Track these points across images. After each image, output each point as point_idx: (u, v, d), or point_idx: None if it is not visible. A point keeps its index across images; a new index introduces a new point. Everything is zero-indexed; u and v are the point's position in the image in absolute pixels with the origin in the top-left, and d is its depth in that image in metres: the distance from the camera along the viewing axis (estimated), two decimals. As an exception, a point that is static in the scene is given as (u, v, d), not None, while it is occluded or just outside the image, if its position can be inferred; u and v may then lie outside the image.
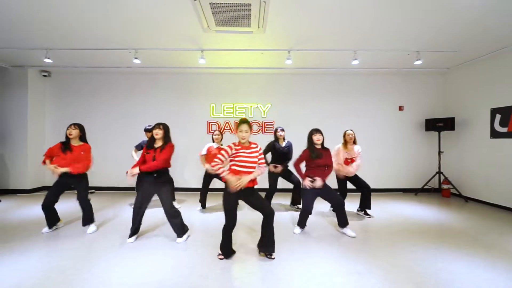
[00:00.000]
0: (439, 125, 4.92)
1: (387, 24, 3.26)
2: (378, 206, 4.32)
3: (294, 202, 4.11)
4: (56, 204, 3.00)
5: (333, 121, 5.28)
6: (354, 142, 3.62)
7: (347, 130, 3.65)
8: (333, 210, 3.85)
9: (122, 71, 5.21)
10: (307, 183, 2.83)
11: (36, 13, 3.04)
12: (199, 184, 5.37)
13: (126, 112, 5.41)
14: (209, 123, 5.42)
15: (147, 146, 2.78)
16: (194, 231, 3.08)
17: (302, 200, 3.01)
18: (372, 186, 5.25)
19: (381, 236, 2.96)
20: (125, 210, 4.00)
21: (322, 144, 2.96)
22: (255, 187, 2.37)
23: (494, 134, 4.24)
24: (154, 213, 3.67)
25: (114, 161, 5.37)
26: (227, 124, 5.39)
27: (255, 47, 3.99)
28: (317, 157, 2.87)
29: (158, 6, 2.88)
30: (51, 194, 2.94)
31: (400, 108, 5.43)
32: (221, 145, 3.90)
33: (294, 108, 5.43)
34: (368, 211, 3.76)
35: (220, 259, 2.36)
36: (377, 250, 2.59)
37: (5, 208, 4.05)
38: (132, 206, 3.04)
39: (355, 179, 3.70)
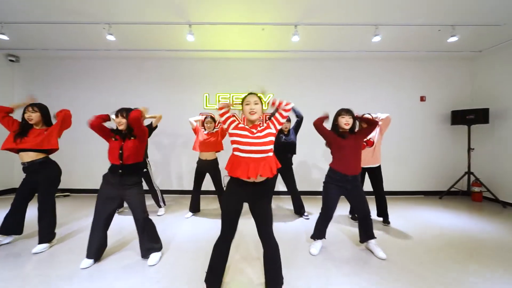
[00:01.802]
0: (469, 117, 4.21)
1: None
2: (399, 213, 3.63)
3: (297, 211, 3.41)
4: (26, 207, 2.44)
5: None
6: None
7: (364, 114, 2.94)
8: (351, 218, 3.22)
9: (100, 55, 4.50)
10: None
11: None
12: (190, 186, 4.74)
13: (107, 103, 4.69)
14: (202, 115, 4.70)
15: (112, 131, 2.14)
16: (175, 249, 2.38)
17: (323, 200, 2.32)
18: (389, 188, 4.57)
19: (419, 257, 2.26)
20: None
21: (352, 128, 2.24)
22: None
23: (541, 127, 3.54)
24: (119, 225, 2.96)
25: (93, 159, 4.68)
26: (222, 117, 4.68)
27: (254, 20, 3.28)
28: (340, 136, 2.22)
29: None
30: (19, 196, 2.38)
31: (422, 99, 4.72)
32: (213, 130, 3.35)
33: (299, 99, 4.68)
34: (386, 219, 3.12)
35: None
36: (421, 279, 1.90)
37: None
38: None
39: (376, 177, 3.03)
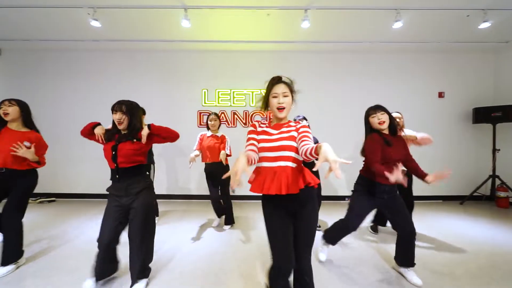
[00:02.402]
0: (495, 115, 3.82)
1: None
2: (419, 220, 3.18)
3: None
4: None
5: (357, 111, 4.16)
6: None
7: (392, 113, 2.52)
8: (371, 227, 2.83)
9: (88, 47, 4.10)
10: (397, 176, 1.55)
11: None
12: (185, 191, 4.38)
13: (96, 100, 4.30)
14: (201, 113, 4.32)
15: (107, 135, 1.74)
16: (166, 271, 1.98)
17: (350, 209, 1.96)
18: (405, 192, 4.24)
19: (461, 282, 1.87)
20: (87, 228, 2.90)
21: (392, 128, 1.83)
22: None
23: None
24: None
25: (82, 160, 4.28)
26: (222, 114, 4.29)
27: (259, 3, 2.89)
28: (388, 144, 1.76)
29: None
30: None
31: (440, 95, 4.32)
32: (217, 133, 2.89)
33: (307, 95, 4.30)
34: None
35: None
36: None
37: None
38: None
39: (408, 183, 2.61)
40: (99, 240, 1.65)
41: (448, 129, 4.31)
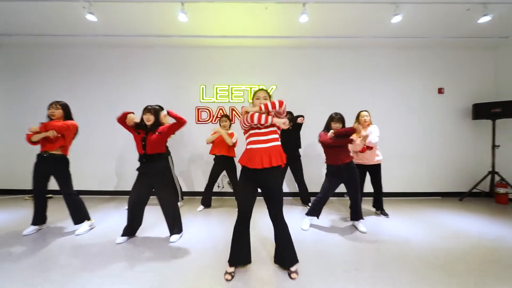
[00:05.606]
0: (495, 111, 3.79)
1: None
2: (419, 216, 3.23)
3: (304, 201, 3.66)
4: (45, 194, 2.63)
5: (354, 107, 4.14)
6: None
7: (362, 111, 3.09)
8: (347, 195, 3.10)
9: (86, 42, 4.08)
10: (330, 133, 2.54)
11: None
12: (186, 187, 4.36)
13: (94, 96, 4.29)
14: (199, 109, 4.30)
15: (136, 125, 2.32)
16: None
17: (323, 185, 2.70)
18: (402, 189, 4.23)
19: (445, 267, 1.86)
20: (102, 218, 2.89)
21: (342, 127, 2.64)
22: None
23: None
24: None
25: (83, 155, 4.26)
26: (220, 110, 4.27)
27: (256, -3, 2.86)
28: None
29: None
30: (35, 182, 2.54)
31: (440, 91, 4.29)
32: (228, 131, 3.41)
33: (304, 90, 4.31)
34: (382, 211, 3.23)
35: (227, 280, 1.68)
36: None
37: None
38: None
39: (376, 174, 3.14)
40: (129, 201, 2.31)
41: (447, 125, 4.29)
